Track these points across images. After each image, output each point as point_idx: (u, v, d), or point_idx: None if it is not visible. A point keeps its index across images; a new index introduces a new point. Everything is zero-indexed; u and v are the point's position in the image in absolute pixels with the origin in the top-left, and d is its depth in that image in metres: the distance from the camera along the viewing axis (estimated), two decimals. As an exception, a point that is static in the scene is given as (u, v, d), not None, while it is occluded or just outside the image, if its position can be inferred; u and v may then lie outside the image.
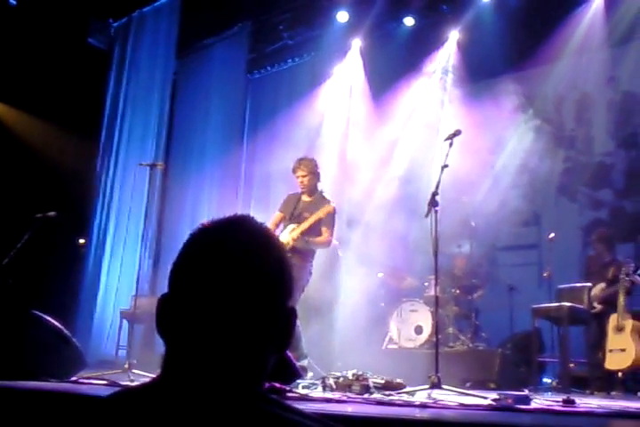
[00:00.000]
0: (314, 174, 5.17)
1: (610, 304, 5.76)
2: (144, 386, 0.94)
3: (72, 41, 8.45)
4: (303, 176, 5.13)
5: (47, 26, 7.98)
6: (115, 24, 9.18)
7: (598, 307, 5.97)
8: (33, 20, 8.03)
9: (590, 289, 6.05)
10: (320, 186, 5.27)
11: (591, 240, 6.53)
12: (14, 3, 8.11)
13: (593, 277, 6.18)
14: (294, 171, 5.20)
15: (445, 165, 4.03)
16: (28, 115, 8.52)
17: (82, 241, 8.84)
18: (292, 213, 5.19)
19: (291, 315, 0.99)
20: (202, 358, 0.91)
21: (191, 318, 0.92)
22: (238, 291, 0.91)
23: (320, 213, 4.98)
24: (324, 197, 5.22)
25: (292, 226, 5.11)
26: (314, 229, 5.05)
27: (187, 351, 0.92)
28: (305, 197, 5.24)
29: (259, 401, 0.91)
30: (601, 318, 5.82)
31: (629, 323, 5.46)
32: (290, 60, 9.06)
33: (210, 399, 0.88)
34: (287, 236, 5.01)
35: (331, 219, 5.05)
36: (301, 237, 4.94)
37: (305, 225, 5.00)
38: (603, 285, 6.01)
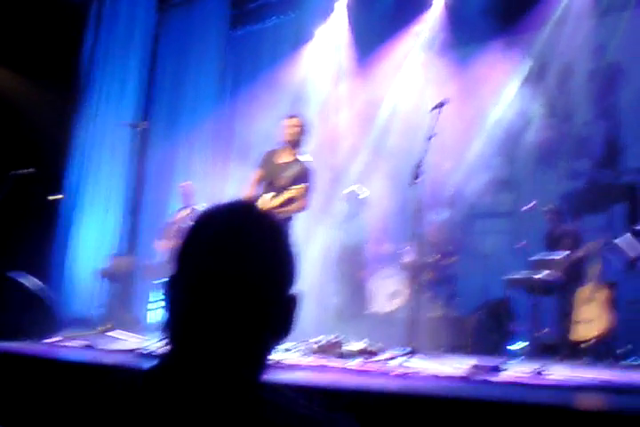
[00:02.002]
0: (303, 130, 5.10)
1: (570, 274, 5.89)
2: (147, 372, 0.94)
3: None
4: (295, 126, 5.07)
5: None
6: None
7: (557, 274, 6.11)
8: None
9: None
10: (302, 145, 5.16)
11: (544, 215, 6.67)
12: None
13: (552, 249, 6.34)
14: (287, 119, 5.12)
15: (431, 136, 3.99)
16: (2, 68, 8.24)
17: (55, 197, 8.68)
18: (270, 174, 5.08)
19: (292, 303, 1.00)
20: (204, 345, 0.92)
21: (194, 305, 0.92)
22: (241, 278, 0.92)
23: (292, 192, 4.89)
24: (300, 163, 5.10)
25: (270, 195, 5.01)
26: (289, 199, 4.97)
27: (190, 337, 0.93)
28: (281, 157, 5.11)
29: (262, 391, 0.93)
30: (563, 288, 5.95)
31: (601, 294, 5.58)
32: (273, 18, 8.84)
33: (212, 388, 0.89)
34: (264, 204, 4.92)
35: (306, 191, 4.97)
36: (272, 212, 4.88)
37: (278, 201, 4.91)
38: (561, 254, 6.15)
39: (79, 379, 2.61)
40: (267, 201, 4.98)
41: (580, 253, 5.82)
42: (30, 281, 4.18)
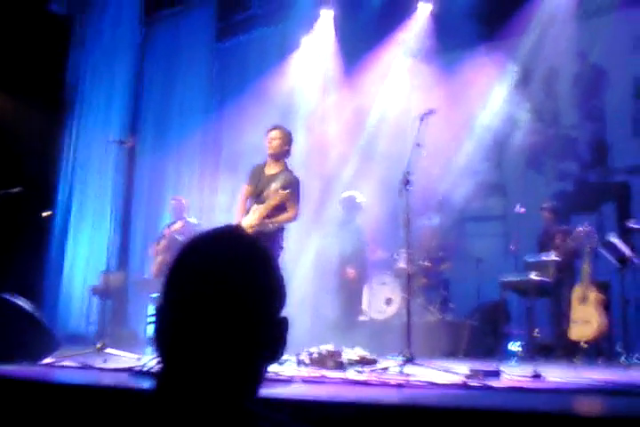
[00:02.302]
0: (285, 142, 5.03)
1: (564, 273, 5.93)
2: (142, 398, 0.95)
3: (31, 6, 8.10)
4: (274, 139, 5.01)
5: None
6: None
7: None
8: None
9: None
10: (287, 157, 5.11)
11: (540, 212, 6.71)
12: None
13: (545, 248, 6.38)
14: (268, 132, 5.06)
15: (418, 144, 4.02)
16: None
17: (45, 214, 8.64)
18: (256, 188, 5.03)
19: (282, 325, 1.01)
20: (196, 372, 0.93)
21: (185, 331, 0.93)
22: (230, 304, 0.93)
23: (277, 200, 4.85)
24: (287, 172, 5.04)
25: (254, 207, 4.97)
26: (278, 208, 4.90)
27: (181, 365, 0.94)
28: (269, 169, 5.07)
29: (254, 416, 0.93)
30: (557, 287, 5.99)
31: (593, 294, 5.62)
32: (259, 29, 8.87)
33: (205, 414, 0.90)
34: (249, 219, 4.89)
35: (294, 191, 4.91)
36: (263, 221, 4.83)
37: (262, 210, 4.87)
38: (554, 254, 6.19)
39: (76, 402, 2.59)
40: (253, 212, 4.94)
41: (570, 243, 5.85)
42: (23, 302, 4.15)
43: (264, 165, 5.11)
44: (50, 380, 3.04)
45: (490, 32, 7.35)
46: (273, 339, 0.99)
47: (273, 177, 5.01)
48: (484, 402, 2.57)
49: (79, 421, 0.96)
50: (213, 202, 8.53)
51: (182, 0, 8.73)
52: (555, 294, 6.10)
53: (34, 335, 4.02)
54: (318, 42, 8.48)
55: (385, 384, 2.95)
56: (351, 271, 7.03)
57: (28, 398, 2.79)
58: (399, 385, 2.92)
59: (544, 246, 6.51)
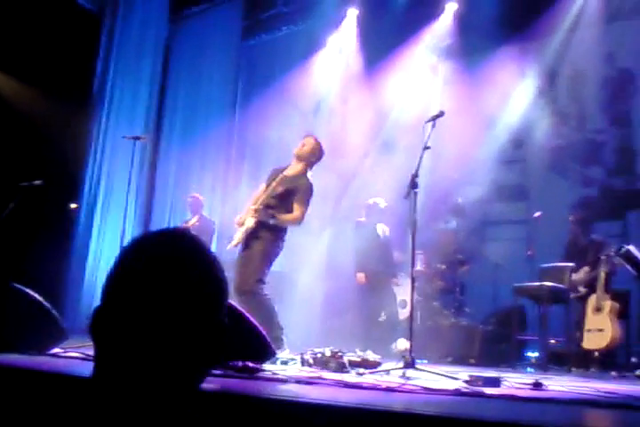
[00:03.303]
0: (314, 151, 5.00)
1: (594, 287, 5.79)
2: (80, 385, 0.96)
3: (61, 1, 8.25)
4: (305, 144, 4.99)
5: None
6: (106, -15, 8.97)
7: (583, 291, 6.00)
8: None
9: (572, 270, 6.09)
10: (309, 165, 5.02)
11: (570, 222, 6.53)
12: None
13: (574, 261, 6.21)
14: (304, 137, 5.07)
15: (427, 147, 3.99)
16: (16, 80, 8.39)
17: (73, 206, 8.81)
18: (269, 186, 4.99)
19: (219, 328, 1.00)
20: (129, 372, 0.93)
21: (120, 331, 0.94)
22: (167, 306, 0.93)
23: (288, 185, 4.81)
24: (304, 177, 4.97)
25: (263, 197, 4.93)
26: (285, 204, 4.85)
27: (115, 365, 0.95)
28: (288, 171, 5.05)
29: (186, 420, 0.94)
30: (585, 301, 5.86)
31: (608, 304, 5.53)
32: (285, 28, 8.92)
33: (134, 414, 0.91)
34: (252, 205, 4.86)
35: (304, 195, 4.84)
36: (264, 210, 4.76)
37: (265, 196, 4.83)
38: (586, 268, 6.05)
39: (75, 392, 2.63)
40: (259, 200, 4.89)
41: (602, 268, 5.67)
42: (36, 294, 4.23)
43: (285, 167, 5.10)
44: (53, 370, 3.10)
45: (515, 34, 7.26)
46: (209, 342, 0.98)
47: (289, 178, 4.97)
48: (473, 410, 2.54)
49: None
50: (236, 198, 8.61)
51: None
52: (579, 306, 5.97)
53: (42, 325, 4.10)
54: (343, 41, 8.49)
55: (376, 388, 2.94)
56: (361, 275, 6.97)
57: (32, 387, 2.85)
58: (390, 389, 2.91)
59: (573, 257, 6.28)
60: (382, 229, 7.19)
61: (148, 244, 1.01)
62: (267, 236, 4.75)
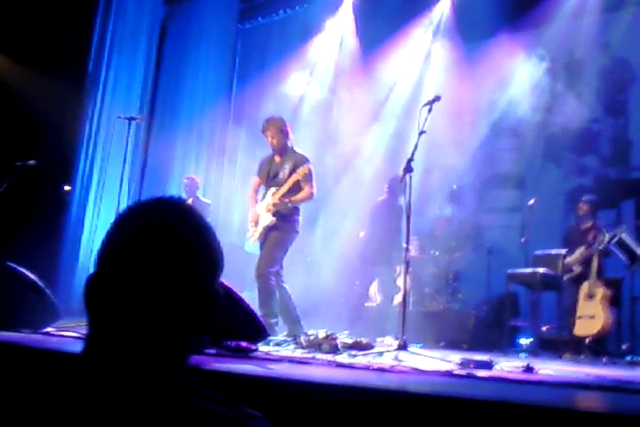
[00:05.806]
0: (282, 133, 5.11)
1: (589, 266, 5.84)
2: (70, 361, 0.96)
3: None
4: (272, 137, 5.10)
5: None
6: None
7: (577, 270, 6.05)
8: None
9: (565, 256, 6.12)
10: (290, 143, 5.19)
11: (577, 205, 6.55)
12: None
13: (573, 244, 6.25)
14: (263, 131, 5.17)
15: (423, 131, 3.99)
16: (11, 59, 8.30)
17: (67, 188, 8.76)
18: (268, 175, 5.19)
19: (213, 297, 0.99)
20: (121, 339, 0.93)
21: (114, 298, 0.94)
22: (159, 273, 0.93)
23: (296, 176, 5.00)
24: (295, 153, 5.17)
25: (272, 189, 5.12)
26: (294, 189, 5.06)
27: (108, 332, 0.94)
28: (277, 157, 5.21)
29: (175, 387, 0.92)
30: (578, 283, 5.90)
31: (600, 291, 5.56)
32: (281, 11, 8.84)
33: (126, 382, 0.90)
34: (270, 200, 5.07)
35: (308, 176, 5.05)
36: (282, 201, 5.01)
37: (284, 189, 5.04)
38: (582, 248, 6.09)
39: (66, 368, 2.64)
40: (271, 197, 5.07)
41: (597, 247, 5.74)
42: (30, 273, 4.23)
43: (272, 155, 5.23)
44: (47, 347, 3.11)
45: (513, 21, 7.22)
46: (202, 310, 0.97)
47: (282, 160, 5.17)
48: (464, 390, 2.56)
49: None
50: (231, 182, 8.61)
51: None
52: (567, 289, 6.02)
53: (36, 304, 4.10)
54: (340, 26, 8.43)
55: (368, 368, 2.96)
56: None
57: (25, 364, 2.86)
58: (382, 369, 2.93)
59: (572, 241, 6.34)
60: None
61: (143, 211, 1.00)
62: (283, 226, 5.06)
